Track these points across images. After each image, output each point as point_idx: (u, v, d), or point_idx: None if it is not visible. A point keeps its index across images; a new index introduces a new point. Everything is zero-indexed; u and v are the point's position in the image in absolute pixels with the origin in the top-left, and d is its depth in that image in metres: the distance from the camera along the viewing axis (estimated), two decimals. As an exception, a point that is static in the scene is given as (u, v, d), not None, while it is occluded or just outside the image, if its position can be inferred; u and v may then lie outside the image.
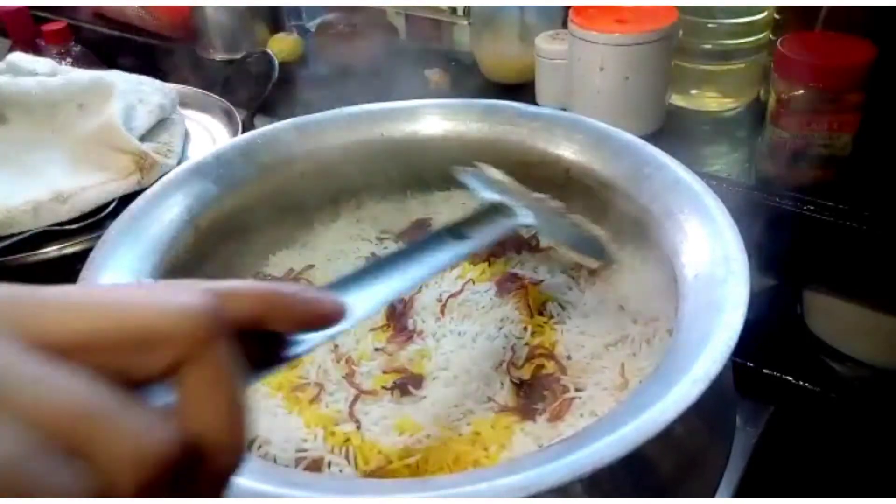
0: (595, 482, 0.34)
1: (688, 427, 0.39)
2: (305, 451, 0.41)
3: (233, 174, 0.55)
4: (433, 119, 0.59)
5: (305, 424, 0.43)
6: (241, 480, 0.32)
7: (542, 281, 0.53)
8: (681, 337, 0.38)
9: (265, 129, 0.59)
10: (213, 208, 0.53)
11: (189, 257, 0.51)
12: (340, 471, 0.40)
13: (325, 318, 0.27)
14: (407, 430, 0.43)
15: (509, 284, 0.52)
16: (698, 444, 0.40)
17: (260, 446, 0.42)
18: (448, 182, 0.59)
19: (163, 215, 0.50)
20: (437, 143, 0.59)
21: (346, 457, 0.41)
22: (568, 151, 0.55)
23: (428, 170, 0.61)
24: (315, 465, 0.41)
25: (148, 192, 0.51)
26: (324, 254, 0.58)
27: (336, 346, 0.48)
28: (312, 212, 0.60)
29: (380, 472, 0.41)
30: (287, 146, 0.58)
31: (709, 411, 0.41)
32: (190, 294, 0.22)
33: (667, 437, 0.32)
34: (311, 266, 0.56)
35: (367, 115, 0.60)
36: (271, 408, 0.45)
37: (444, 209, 0.61)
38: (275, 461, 0.41)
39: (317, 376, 0.47)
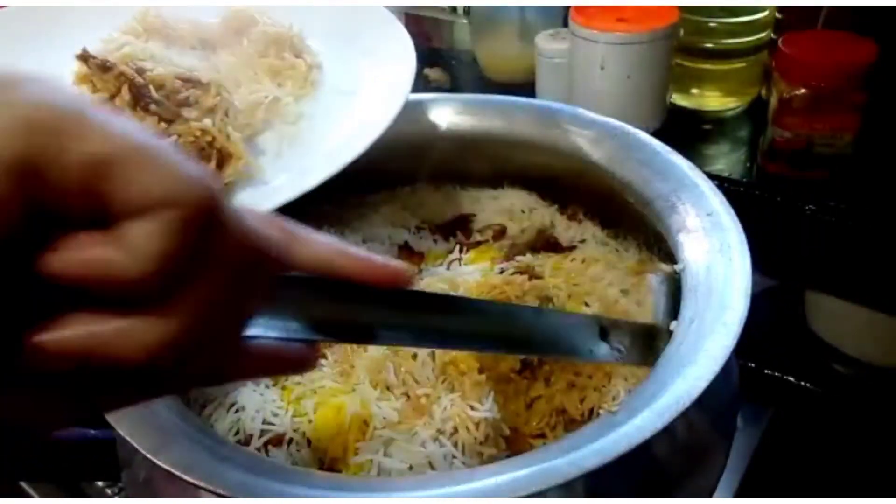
0: (594, 481, 0.34)
1: (689, 425, 0.39)
2: (272, 425, 0.42)
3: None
4: (495, 115, 0.59)
5: (281, 399, 0.44)
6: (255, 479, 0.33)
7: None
8: (681, 333, 0.38)
9: None
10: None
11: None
12: (298, 450, 0.41)
13: (386, 278, 0.28)
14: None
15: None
16: (699, 443, 0.40)
17: (237, 410, 0.43)
18: (498, 181, 0.60)
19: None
20: (496, 139, 0.59)
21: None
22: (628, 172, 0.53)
23: (480, 165, 0.61)
24: (277, 440, 0.42)
25: None
26: (362, 235, 0.57)
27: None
28: (367, 195, 0.61)
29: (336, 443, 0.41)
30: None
31: (710, 409, 0.41)
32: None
33: (667, 435, 0.32)
34: None
35: (430, 104, 0.60)
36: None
37: (490, 207, 0.60)
38: (237, 432, 0.42)
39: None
